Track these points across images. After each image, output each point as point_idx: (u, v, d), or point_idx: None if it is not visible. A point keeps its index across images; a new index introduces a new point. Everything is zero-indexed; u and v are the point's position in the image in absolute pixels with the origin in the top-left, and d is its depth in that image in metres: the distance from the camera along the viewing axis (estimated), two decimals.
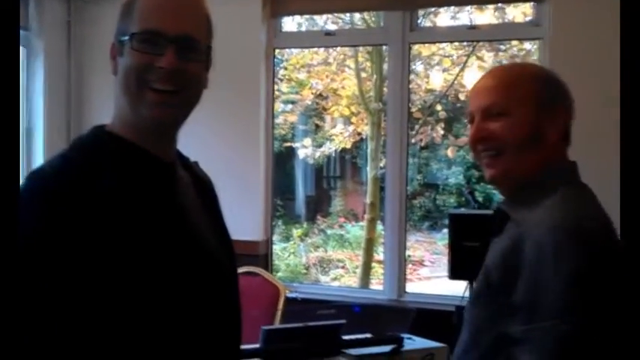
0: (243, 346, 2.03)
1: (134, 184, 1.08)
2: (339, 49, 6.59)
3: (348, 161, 9.48)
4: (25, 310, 0.95)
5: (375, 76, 6.55)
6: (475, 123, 1.31)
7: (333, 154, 8.18)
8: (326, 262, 8.15)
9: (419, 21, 3.94)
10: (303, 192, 9.29)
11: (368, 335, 2.22)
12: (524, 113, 1.26)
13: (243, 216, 3.68)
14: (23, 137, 3.80)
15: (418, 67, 7.12)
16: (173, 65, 1.06)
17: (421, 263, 8.31)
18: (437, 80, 7.11)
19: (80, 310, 0.97)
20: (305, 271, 7.93)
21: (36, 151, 3.80)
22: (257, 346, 1.97)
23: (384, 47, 4.67)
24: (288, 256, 8.08)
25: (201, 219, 1.19)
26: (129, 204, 1.05)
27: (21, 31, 3.73)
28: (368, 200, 6.65)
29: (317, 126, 8.27)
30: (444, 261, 7.57)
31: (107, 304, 0.99)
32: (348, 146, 7.52)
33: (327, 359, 2.03)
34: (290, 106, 7.68)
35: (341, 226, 9.01)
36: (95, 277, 0.98)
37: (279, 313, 3.01)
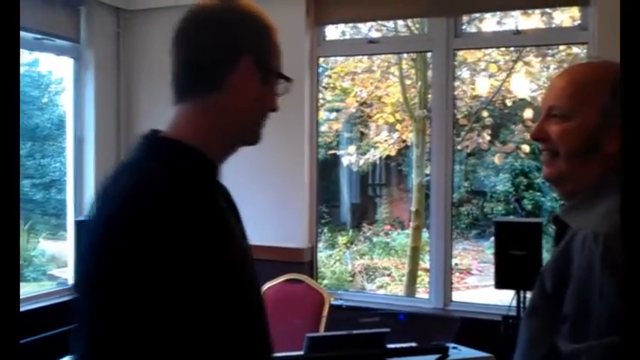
0: (288, 353, 2.04)
1: (213, 199, 1.13)
2: (382, 56, 6.57)
3: (393, 168, 9.44)
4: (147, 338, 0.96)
5: (419, 83, 6.51)
6: (539, 120, 1.29)
7: (378, 162, 8.15)
8: (372, 270, 8.12)
9: (463, 27, 3.90)
10: (348, 199, 9.29)
11: (413, 344, 2.20)
12: (585, 120, 1.23)
13: (288, 223, 3.71)
14: (75, 146, 3.91)
15: (464, 73, 7.05)
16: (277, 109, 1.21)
17: (468, 272, 8.19)
18: (483, 86, 7.02)
19: (197, 332, 1.00)
20: (351, 278, 7.91)
21: (87, 159, 3.90)
22: (301, 353, 1.98)
23: (429, 54, 4.64)
24: (334, 263, 8.08)
25: (236, 227, 1.23)
26: (215, 220, 1.10)
27: (71, 43, 3.85)
28: (413, 208, 6.59)
29: (362, 133, 8.26)
30: (491, 269, 7.45)
31: (215, 324, 1.03)
32: (393, 153, 7.48)
33: None
34: (334, 114, 7.70)
35: (387, 234, 8.97)
36: (206, 300, 1.01)
37: (323, 321, 3.01)
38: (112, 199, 1.02)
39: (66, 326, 3.21)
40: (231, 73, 1.11)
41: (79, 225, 3.43)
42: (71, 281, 3.94)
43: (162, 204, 0.99)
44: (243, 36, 1.13)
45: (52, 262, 9.26)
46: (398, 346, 2.15)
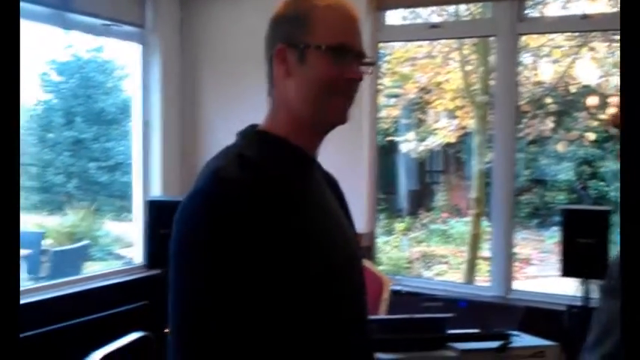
0: None
1: (303, 186, 1.16)
2: (443, 41, 6.49)
3: (452, 155, 9.36)
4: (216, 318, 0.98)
5: (481, 69, 6.41)
6: None
7: (437, 148, 8.08)
8: (429, 257, 8.09)
9: (527, 11, 3.82)
10: (405, 186, 9.25)
11: (474, 330, 2.19)
12: None
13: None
14: (141, 129, 4.02)
15: (526, 58, 6.90)
16: (361, 77, 1.17)
17: (528, 261, 8.06)
18: (546, 72, 6.86)
19: (270, 312, 1.01)
20: (408, 265, 7.91)
21: (153, 142, 4.01)
22: None
23: (491, 39, 4.56)
24: (391, 250, 8.08)
25: (341, 216, 1.26)
26: (304, 206, 1.12)
27: (137, 29, 3.95)
28: (473, 195, 6.52)
29: (420, 120, 8.20)
30: (552, 260, 7.32)
31: (292, 305, 1.04)
32: (453, 140, 7.41)
33: (433, 352, 2.03)
34: (393, 100, 7.66)
35: (444, 222, 8.91)
36: (283, 283, 1.03)
37: (383, 305, 3.03)
38: (196, 181, 1.07)
39: (133, 303, 3.32)
40: (273, 65, 1.17)
41: (151, 205, 3.54)
42: (137, 260, 4.07)
43: (240, 182, 1.03)
44: (277, 27, 1.17)
45: (116, 243, 9.58)
46: (460, 331, 2.15)
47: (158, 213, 3.45)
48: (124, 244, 9.33)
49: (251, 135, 1.18)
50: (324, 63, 1.13)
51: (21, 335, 3.02)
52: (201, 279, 0.98)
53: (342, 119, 1.18)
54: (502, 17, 3.59)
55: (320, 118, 1.17)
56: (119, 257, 8.69)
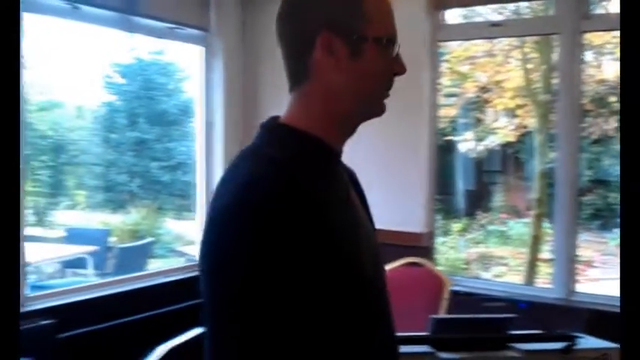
0: (412, 333, 2.08)
1: (334, 187, 1.10)
2: (504, 40, 6.40)
3: (510, 155, 9.19)
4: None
5: (543, 67, 6.29)
6: None
7: (497, 148, 7.96)
8: (487, 259, 7.98)
9: (591, 8, 3.73)
10: (462, 186, 9.15)
11: (537, 331, 2.17)
12: None
13: (405, 208, 3.73)
14: (203, 130, 4.11)
15: (589, 56, 6.73)
16: (406, 70, 1.12)
17: (590, 264, 7.85)
18: (610, 70, 6.68)
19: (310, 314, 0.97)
20: (465, 266, 7.82)
21: (216, 143, 4.10)
22: (425, 333, 2.01)
23: (553, 36, 4.47)
24: (448, 250, 8.00)
25: (364, 214, 1.21)
26: (336, 208, 1.06)
27: (201, 32, 4.05)
28: (534, 196, 6.40)
29: (477, 119, 8.10)
30: (615, 262, 7.12)
31: (327, 306, 1.00)
32: (512, 139, 7.29)
33: (496, 352, 2.02)
34: (451, 99, 7.60)
35: (502, 223, 8.76)
36: (319, 283, 0.98)
37: (443, 304, 3.03)
38: (230, 187, 1.00)
39: (195, 299, 3.41)
40: (313, 56, 1.07)
41: None
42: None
43: (278, 192, 0.96)
44: (316, 14, 1.07)
45: (177, 241, 9.80)
46: (522, 332, 2.13)
47: None
48: (184, 242, 9.54)
49: (278, 131, 1.10)
50: (381, 57, 1.08)
51: (87, 329, 3.15)
52: (248, 292, 0.93)
53: (381, 113, 1.13)
54: (566, 15, 3.52)
55: (364, 113, 1.12)
56: (180, 255, 8.90)
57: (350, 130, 1.13)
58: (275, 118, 1.12)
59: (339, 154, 1.14)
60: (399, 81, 1.13)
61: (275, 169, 1.00)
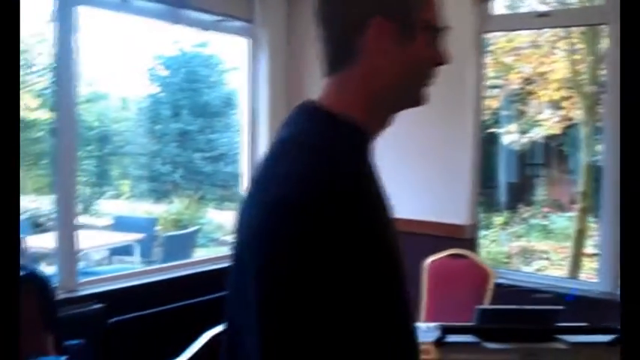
0: (458, 323, 2.09)
1: (373, 178, 1.08)
2: (549, 30, 6.29)
3: (554, 148, 9.05)
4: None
5: (590, 58, 6.17)
6: None
7: (540, 141, 7.85)
8: (529, 252, 7.89)
9: None
10: (505, 179, 9.05)
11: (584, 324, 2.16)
12: None
13: (449, 199, 3.72)
14: (248, 121, 4.16)
15: None
16: (450, 61, 1.10)
17: None
18: None
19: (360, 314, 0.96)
20: (506, 260, 7.75)
21: (260, 133, 4.14)
22: (471, 323, 2.02)
23: (601, 27, 4.39)
24: (489, 244, 7.94)
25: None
26: (375, 201, 1.05)
27: (247, 24, 4.09)
28: (579, 189, 6.30)
29: (520, 111, 7.99)
30: None
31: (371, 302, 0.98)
32: (557, 132, 7.17)
33: (543, 344, 2.01)
34: (494, 91, 7.51)
35: (545, 216, 8.65)
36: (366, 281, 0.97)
37: (487, 295, 3.02)
38: (280, 180, 0.97)
39: None
40: (363, 39, 1.04)
41: None
42: None
43: (329, 188, 0.94)
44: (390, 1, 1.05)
45: (218, 230, 9.95)
46: (569, 325, 2.12)
47: None
48: (225, 232, 9.68)
49: (320, 118, 1.06)
50: (428, 45, 1.06)
51: (134, 315, 3.23)
52: (300, 292, 0.91)
53: (422, 103, 1.11)
54: (615, 4, 3.45)
55: (404, 102, 1.10)
56: (221, 244, 9.03)
57: (388, 119, 1.11)
58: (313, 103, 1.09)
59: (373, 142, 1.11)
60: (444, 72, 1.12)
61: (326, 163, 0.98)
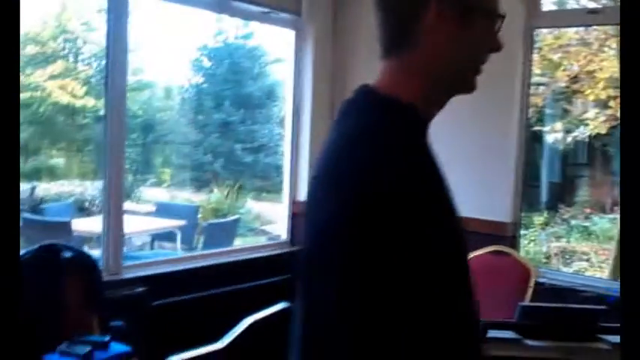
0: (499, 320, 2.09)
1: (438, 166, 1.08)
2: (599, 28, 6.16)
3: (598, 148, 8.87)
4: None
5: None
6: None
7: (584, 140, 7.70)
8: (569, 254, 7.77)
9: None
10: (546, 178, 8.91)
11: None
12: None
13: (492, 196, 3.70)
14: (292, 113, 4.19)
15: None
16: (502, 48, 1.10)
17: None
18: None
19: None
20: (545, 260, 7.65)
21: (303, 125, 4.17)
22: (512, 320, 2.01)
23: None
24: (528, 243, 7.85)
25: None
26: (444, 188, 1.05)
27: (292, 16, 4.11)
28: None
29: (565, 110, 7.85)
30: None
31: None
32: (603, 132, 7.03)
33: (585, 343, 2.00)
34: (540, 88, 7.40)
35: (586, 217, 8.49)
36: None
37: (528, 293, 3.00)
38: (354, 173, 0.97)
39: (277, 276, 3.49)
40: (421, 23, 1.04)
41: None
42: (284, 237, 4.27)
43: (398, 174, 0.95)
44: None
45: (257, 220, 10.05)
46: (612, 325, 2.09)
47: None
48: (263, 222, 9.77)
49: (381, 104, 1.07)
50: (486, 30, 1.07)
51: (175, 299, 3.30)
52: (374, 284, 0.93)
53: (473, 90, 1.11)
54: None
55: (458, 86, 1.10)
56: (260, 233, 9.12)
57: (442, 104, 1.11)
58: (372, 88, 1.09)
59: (429, 126, 1.11)
60: (491, 67, 1.12)
61: (398, 152, 0.99)
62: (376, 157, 0.97)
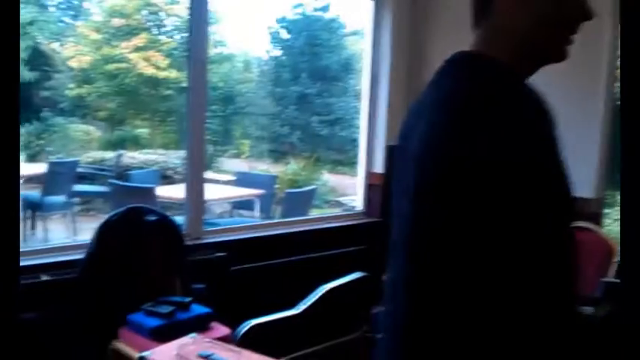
0: (582, 294, 2.05)
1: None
2: None
3: None
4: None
5: None
6: None
7: None
8: None
9: None
10: None
11: None
12: None
13: (576, 171, 3.57)
14: (369, 86, 4.17)
15: None
16: (593, 17, 1.10)
17: None
18: None
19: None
20: None
21: (380, 98, 4.15)
22: (594, 296, 1.97)
23: None
24: (612, 222, 7.56)
25: None
26: (556, 146, 1.08)
27: None
28: None
29: None
30: None
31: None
32: None
33: None
34: None
35: None
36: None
37: (611, 270, 2.93)
38: (478, 136, 0.96)
39: (352, 246, 3.51)
40: None
41: (391, 150, 3.80)
42: (359, 208, 4.29)
43: (529, 142, 0.98)
44: None
45: (331, 192, 10.12)
46: None
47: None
48: (338, 195, 9.84)
49: (483, 66, 1.07)
50: (580, 0, 1.07)
51: (253, 265, 3.39)
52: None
53: (564, 59, 1.11)
54: None
55: (553, 55, 1.10)
56: (335, 205, 9.19)
57: (531, 72, 1.11)
58: (469, 52, 1.11)
59: None
60: (579, 39, 1.10)
61: (502, 115, 0.98)
62: (482, 120, 0.97)
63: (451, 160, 0.96)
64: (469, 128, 0.96)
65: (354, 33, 12.18)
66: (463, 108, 0.99)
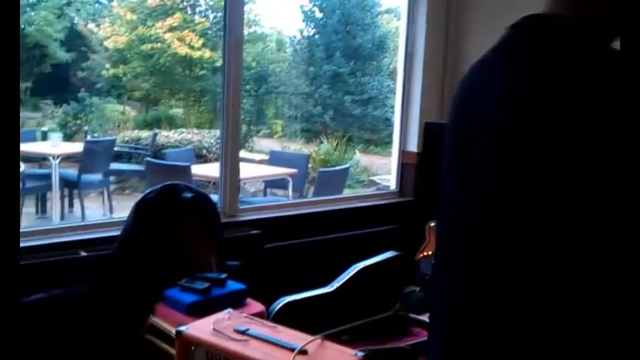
0: None
1: None
2: None
3: None
4: None
5: None
6: None
7: None
8: None
9: None
10: None
11: None
12: None
13: None
14: (403, 66, 4.14)
15: None
16: None
17: None
18: None
19: None
20: None
21: (415, 76, 4.11)
22: None
23: None
24: None
25: None
26: None
27: None
28: None
29: None
30: None
31: None
32: None
33: None
34: None
35: None
36: None
37: None
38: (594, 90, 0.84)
39: (385, 225, 3.49)
40: None
41: (426, 127, 3.92)
42: (393, 187, 4.29)
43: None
44: None
45: (364, 172, 10.12)
46: None
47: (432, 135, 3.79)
48: (371, 174, 9.83)
49: (571, 28, 0.94)
50: None
51: (287, 242, 3.42)
52: None
53: None
54: None
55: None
56: (367, 185, 9.20)
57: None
58: (545, 15, 0.98)
59: None
60: None
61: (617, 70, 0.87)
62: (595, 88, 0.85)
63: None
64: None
65: (388, 11, 12.04)
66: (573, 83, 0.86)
